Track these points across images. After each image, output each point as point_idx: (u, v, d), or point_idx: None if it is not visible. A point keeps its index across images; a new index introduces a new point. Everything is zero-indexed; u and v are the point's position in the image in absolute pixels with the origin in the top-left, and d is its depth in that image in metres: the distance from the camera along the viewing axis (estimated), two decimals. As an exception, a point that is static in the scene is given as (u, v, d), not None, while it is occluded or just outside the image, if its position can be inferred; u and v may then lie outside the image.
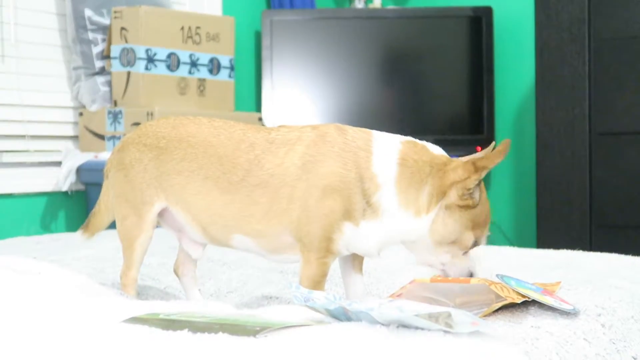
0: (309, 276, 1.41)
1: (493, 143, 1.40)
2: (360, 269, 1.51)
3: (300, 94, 4.10)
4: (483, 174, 1.36)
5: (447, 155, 1.43)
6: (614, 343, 1.31)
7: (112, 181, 1.57)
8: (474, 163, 1.36)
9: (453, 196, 1.37)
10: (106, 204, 1.62)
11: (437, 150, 1.43)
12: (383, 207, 1.38)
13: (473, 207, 1.37)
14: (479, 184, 1.38)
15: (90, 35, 3.33)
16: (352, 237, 1.40)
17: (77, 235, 1.67)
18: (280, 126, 1.48)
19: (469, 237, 1.39)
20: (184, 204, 1.49)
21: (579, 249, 2.16)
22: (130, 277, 1.55)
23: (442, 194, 1.37)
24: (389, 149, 1.40)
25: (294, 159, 1.41)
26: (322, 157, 1.40)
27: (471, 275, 1.40)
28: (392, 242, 1.42)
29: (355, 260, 1.50)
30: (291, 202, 1.41)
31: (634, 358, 1.33)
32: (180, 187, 1.48)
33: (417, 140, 1.44)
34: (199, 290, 1.63)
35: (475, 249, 1.41)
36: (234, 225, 1.46)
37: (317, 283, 1.41)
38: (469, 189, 1.36)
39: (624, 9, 3.26)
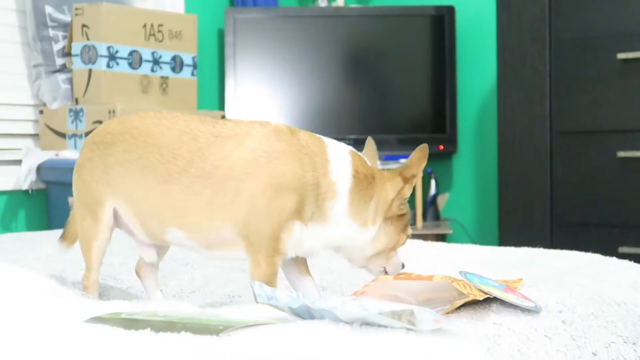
0: (261, 277, 1.39)
1: (416, 150, 1.45)
2: (308, 271, 1.52)
3: (263, 92, 4.09)
4: (414, 182, 1.45)
5: (375, 167, 1.49)
6: (574, 339, 1.32)
7: (73, 184, 1.55)
8: (401, 174, 1.44)
9: (394, 208, 1.44)
10: None
11: (367, 161, 1.48)
12: (333, 214, 1.41)
13: (407, 213, 1.47)
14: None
15: (51, 32, 3.29)
16: (299, 237, 1.40)
17: (56, 245, 1.64)
18: (225, 120, 1.46)
19: (404, 238, 1.48)
20: (124, 197, 1.46)
21: (540, 247, 2.18)
22: (91, 279, 1.53)
23: (387, 207, 1.44)
24: (342, 159, 1.43)
25: (244, 153, 1.38)
26: (278, 155, 1.38)
27: (403, 266, 1.49)
28: (332, 246, 1.46)
29: (301, 264, 1.51)
30: (238, 197, 1.38)
31: (594, 354, 1.34)
32: (121, 179, 1.46)
33: (354, 150, 1.47)
34: (161, 291, 1.62)
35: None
36: (170, 217, 1.43)
37: (270, 283, 1.39)
38: (405, 199, 1.45)
39: (585, 9, 3.30)
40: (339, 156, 1.43)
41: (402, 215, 1.45)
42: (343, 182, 1.41)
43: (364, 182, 1.42)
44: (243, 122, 1.44)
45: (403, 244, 1.48)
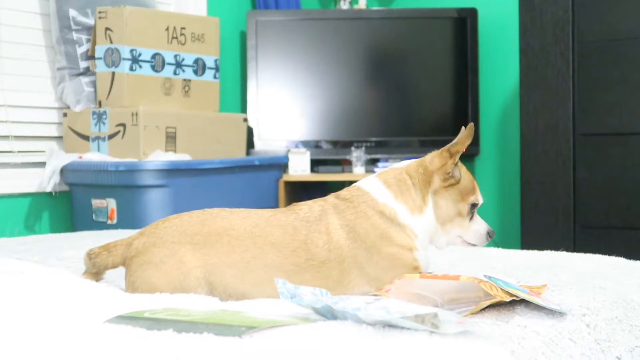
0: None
1: (462, 128, 1.61)
2: None
3: (285, 95, 4.10)
4: (457, 157, 1.60)
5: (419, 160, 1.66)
6: (598, 343, 1.32)
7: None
8: (448, 150, 1.61)
9: (437, 182, 1.60)
10: None
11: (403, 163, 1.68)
12: (410, 224, 1.60)
13: (457, 183, 1.61)
14: (456, 165, 1.61)
15: (75, 36, 3.31)
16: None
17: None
18: (298, 205, 1.62)
19: (464, 206, 1.62)
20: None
21: (563, 250, 2.17)
22: None
23: (427, 184, 1.60)
24: (379, 190, 1.61)
25: (337, 230, 1.56)
26: (354, 220, 1.58)
27: (490, 235, 1.64)
28: (433, 239, 1.64)
29: None
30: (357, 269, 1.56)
31: (618, 358, 1.34)
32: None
33: (385, 170, 1.67)
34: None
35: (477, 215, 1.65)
36: None
37: None
38: (449, 173, 1.60)
39: (607, 11, 3.28)
40: (377, 189, 1.61)
41: (451, 186, 1.60)
42: (401, 211, 1.59)
43: (403, 188, 1.60)
44: (312, 203, 1.62)
45: (472, 210, 1.62)
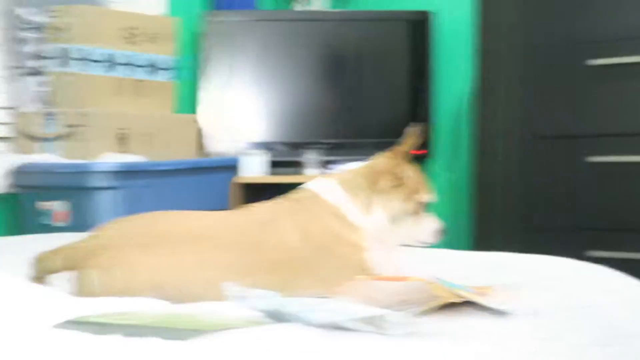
0: None
1: (409, 130, 1.65)
2: None
3: (240, 96, 4.08)
4: (405, 158, 1.64)
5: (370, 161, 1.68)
6: (545, 343, 1.33)
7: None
8: (396, 151, 1.65)
9: (386, 182, 1.64)
10: None
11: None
12: (361, 225, 1.63)
13: (405, 183, 1.65)
14: (404, 165, 1.65)
15: (25, 35, 3.27)
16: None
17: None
18: (245, 207, 1.65)
19: (414, 205, 1.66)
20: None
21: (512, 251, 2.19)
22: None
23: (377, 184, 1.63)
24: (332, 191, 1.63)
25: (295, 233, 1.57)
26: (310, 220, 1.59)
27: (441, 232, 1.70)
28: (383, 239, 1.65)
29: None
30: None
31: (564, 357, 1.35)
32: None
33: (335, 172, 1.76)
34: None
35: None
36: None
37: None
38: (397, 173, 1.64)
39: (557, 16, 3.33)
40: (328, 190, 1.63)
41: (400, 186, 1.63)
42: (346, 207, 1.62)
43: (356, 191, 1.63)
44: (264, 205, 1.64)
45: (422, 207, 1.66)
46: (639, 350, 1.51)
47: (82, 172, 3.03)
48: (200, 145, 3.87)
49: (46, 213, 3.12)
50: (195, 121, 3.66)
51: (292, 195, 1.65)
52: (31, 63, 3.30)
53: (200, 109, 4.00)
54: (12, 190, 3.26)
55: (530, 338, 1.32)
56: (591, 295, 1.58)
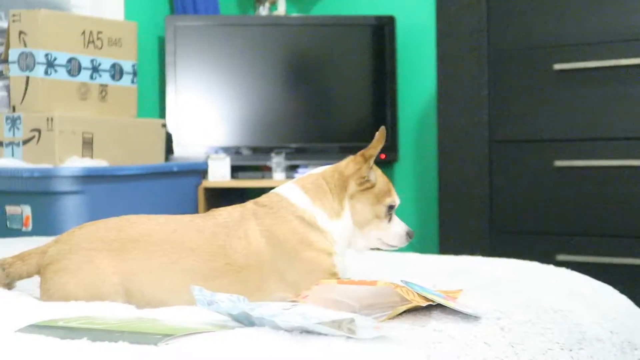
0: None
1: (377, 133, 1.62)
2: None
3: (204, 100, 4.07)
4: (371, 161, 1.62)
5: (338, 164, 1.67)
6: (512, 346, 1.34)
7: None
8: (362, 155, 1.63)
9: (353, 186, 1.62)
10: None
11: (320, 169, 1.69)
12: (328, 229, 1.61)
13: (372, 187, 1.63)
14: (371, 168, 1.63)
15: (-13, 39, 3.23)
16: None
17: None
18: (212, 211, 1.62)
19: (381, 209, 1.64)
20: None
21: (479, 255, 2.20)
22: None
23: (344, 188, 1.62)
24: (297, 195, 1.62)
25: (255, 236, 1.56)
26: (275, 226, 1.58)
27: (410, 235, 1.68)
28: (352, 243, 1.66)
29: None
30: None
31: (531, 360, 1.36)
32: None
33: (303, 175, 1.69)
34: None
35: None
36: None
37: None
38: (364, 177, 1.62)
39: (522, 20, 3.35)
40: (295, 194, 1.62)
41: (367, 190, 1.62)
42: (313, 211, 1.61)
43: (323, 195, 1.62)
44: (231, 209, 1.62)
45: (390, 212, 1.64)
46: (607, 354, 1.52)
47: (47, 176, 3.00)
48: (167, 150, 3.85)
49: (14, 218, 3.08)
50: (163, 125, 3.64)
51: (260, 200, 1.64)
52: (-7, 67, 3.26)
53: (167, 113, 3.98)
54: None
55: (499, 342, 1.32)
56: (559, 299, 1.59)
